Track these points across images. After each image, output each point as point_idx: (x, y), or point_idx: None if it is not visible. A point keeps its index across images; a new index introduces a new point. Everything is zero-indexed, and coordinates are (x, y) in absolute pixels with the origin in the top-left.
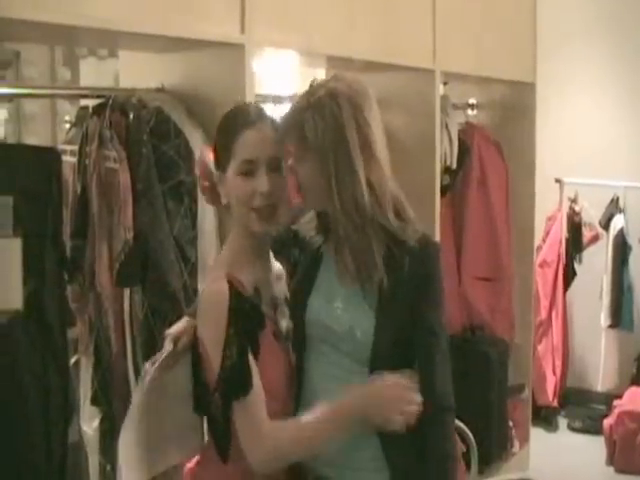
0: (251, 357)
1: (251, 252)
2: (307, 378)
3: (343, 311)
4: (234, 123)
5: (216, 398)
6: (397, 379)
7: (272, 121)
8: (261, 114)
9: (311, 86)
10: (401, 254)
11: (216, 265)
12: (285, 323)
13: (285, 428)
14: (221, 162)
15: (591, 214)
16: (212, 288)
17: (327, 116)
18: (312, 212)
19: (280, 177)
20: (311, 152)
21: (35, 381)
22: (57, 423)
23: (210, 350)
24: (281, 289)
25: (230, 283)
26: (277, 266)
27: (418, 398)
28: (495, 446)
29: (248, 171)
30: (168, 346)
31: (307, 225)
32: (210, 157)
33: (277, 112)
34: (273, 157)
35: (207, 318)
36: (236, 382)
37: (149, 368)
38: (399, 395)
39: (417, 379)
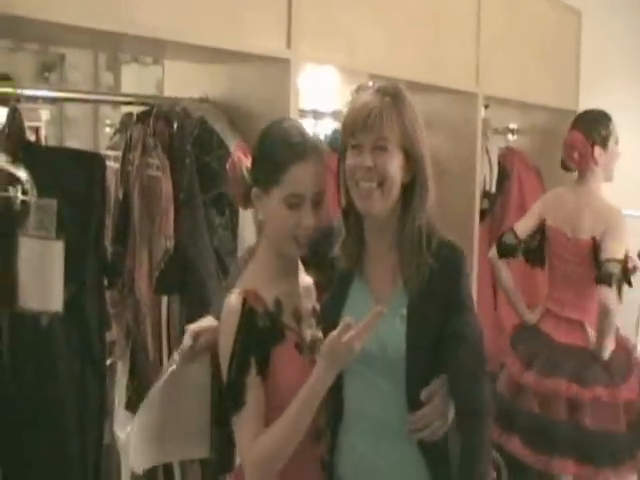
0: (253, 373)
1: (279, 268)
2: (346, 397)
3: (375, 328)
4: (284, 151)
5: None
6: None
7: (320, 152)
8: (311, 144)
9: (378, 87)
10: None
11: (241, 279)
12: (310, 334)
13: (260, 441)
14: (263, 182)
15: (631, 245)
16: (228, 303)
17: (416, 111)
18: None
19: (320, 210)
20: (403, 142)
21: (72, 383)
22: (92, 425)
23: (222, 364)
24: (309, 301)
25: (244, 299)
26: (307, 279)
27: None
28: None
29: (295, 203)
30: (187, 341)
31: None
32: (245, 162)
33: (317, 127)
34: (318, 192)
35: (221, 332)
36: (231, 398)
37: (176, 357)
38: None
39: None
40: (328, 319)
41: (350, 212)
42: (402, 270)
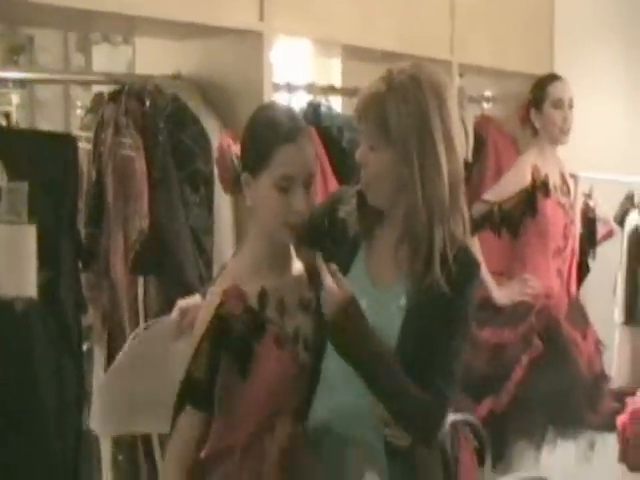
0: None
1: (270, 257)
2: (327, 373)
3: (369, 313)
4: (273, 133)
5: None
6: None
7: (310, 134)
8: (300, 126)
9: (388, 72)
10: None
11: (225, 272)
12: (294, 326)
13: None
14: (252, 166)
15: (605, 210)
16: (207, 300)
17: (411, 101)
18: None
19: (312, 194)
20: (391, 139)
21: (49, 368)
22: (70, 411)
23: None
24: (296, 292)
25: (221, 302)
26: (297, 266)
27: None
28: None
29: (285, 187)
30: (174, 315)
31: (349, 214)
32: (233, 149)
33: (291, 100)
34: (310, 174)
35: (195, 326)
36: (193, 393)
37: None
38: None
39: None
40: None
41: None
42: (408, 261)
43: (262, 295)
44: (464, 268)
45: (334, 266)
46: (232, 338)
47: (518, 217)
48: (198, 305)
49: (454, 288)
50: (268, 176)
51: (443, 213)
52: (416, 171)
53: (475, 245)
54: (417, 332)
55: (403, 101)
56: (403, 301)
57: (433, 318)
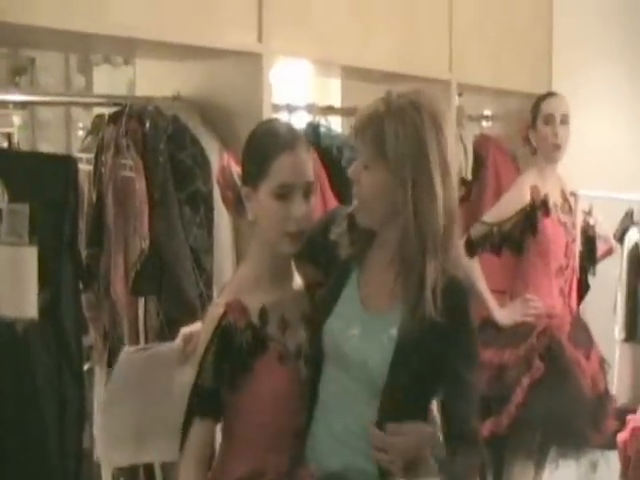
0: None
1: (271, 271)
2: (321, 394)
3: (359, 340)
4: (270, 143)
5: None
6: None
7: (307, 144)
8: (297, 136)
9: (388, 94)
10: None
11: (227, 287)
12: (296, 343)
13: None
14: (251, 179)
15: (605, 227)
16: (209, 314)
17: (408, 125)
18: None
19: (310, 202)
20: (387, 160)
21: (50, 389)
22: (72, 431)
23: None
24: (297, 307)
25: (224, 313)
26: (298, 283)
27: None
28: None
29: (283, 195)
30: (178, 342)
31: (340, 237)
32: (234, 168)
33: (292, 121)
34: (307, 182)
35: (200, 338)
36: (201, 402)
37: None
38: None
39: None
40: (320, 314)
41: None
42: (401, 289)
43: (263, 313)
44: (455, 297)
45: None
46: (234, 350)
47: (518, 237)
48: (199, 332)
49: (448, 318)
50: (267, 186)
51: (436, 243)
52: (409, 194)
53: (475, 266)
54: (410, 366)
55: (402, 123)
56: (394, 332)
57: (427, 351)
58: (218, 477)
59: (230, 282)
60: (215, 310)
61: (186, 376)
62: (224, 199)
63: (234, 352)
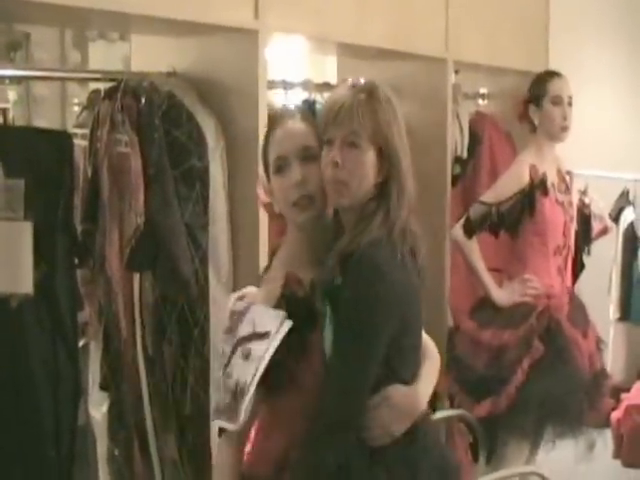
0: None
1: (307, 249)
2: None
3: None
4: (268, 129)
5: None
6: None
7: (302, 114)
8: (288, 112)
9: (354, 84)
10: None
11: (274, 262)
12: None
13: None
14: (266, 172)
15: (600, 206)
16: (266, 287)
17: (390, 107)
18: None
19: (314, 166)
20: (376, 140)
21: (44, 365)
22: (66, 407)
23: None
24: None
25: (285, 282)
26: None
27: None
28: None
29: (281, 167)
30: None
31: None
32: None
33: (287, 98)
34: (303, 147)
35: None
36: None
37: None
38: None
39: None
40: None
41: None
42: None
43: (313, 285)
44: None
45: None
46: (297, 319)
47: (516, 217)
48: (251, 292)
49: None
50: (271, 169)
51: (409, 209)
52: (401, 170)
53: (474, 246)
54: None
55: (387, 107)
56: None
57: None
58: (262, 448)
59: (276, 258)
60: (271, 284)
61: None
62: (263, 206)
63: (297, 322)
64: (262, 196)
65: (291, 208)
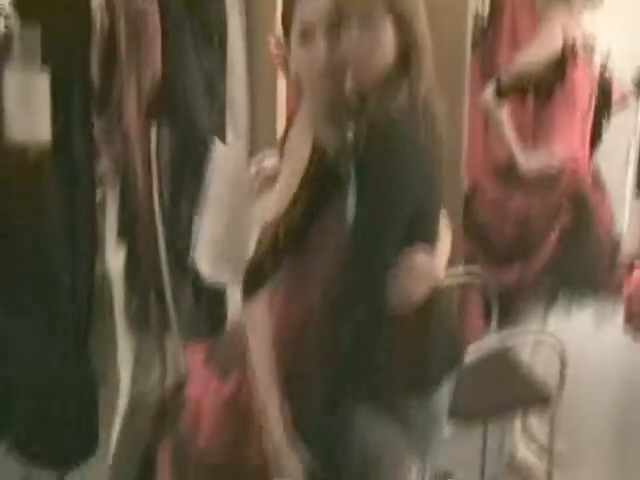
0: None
1: (329, 117)
2: None
3: None
4: None
5: None
6: None
7: None
8: None
9: None
10: None
11: (292, 135)
12: None
13: None
14: (286, 33)
15: (622, 71)
16: (293, 154)
17: None
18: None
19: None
20: (396, 18)
21: (62, 214)
22: (84, 257)
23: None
24: None
25: (315, 147)
26: None
27: None
28: None
29: (307, 34)
30: (252, 171)
31: None
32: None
33: None
34: (331, 22)
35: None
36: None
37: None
38: None
39: None
40: None
41: None
42: None
43: (337, 153)
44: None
45: None
46: (324, 188)
47: (548, 83)
48: (273, 166)
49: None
50: (294, 33)
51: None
52: (418, 48)
53: (503, 111)
54: None
55: None
56: None
57: None
58: (283, 315)
59: (293, 128)
60: (295, 154)
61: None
62: (274, 58)
63: (324, 191)
64: (276, 48)
65: (316, 79)
